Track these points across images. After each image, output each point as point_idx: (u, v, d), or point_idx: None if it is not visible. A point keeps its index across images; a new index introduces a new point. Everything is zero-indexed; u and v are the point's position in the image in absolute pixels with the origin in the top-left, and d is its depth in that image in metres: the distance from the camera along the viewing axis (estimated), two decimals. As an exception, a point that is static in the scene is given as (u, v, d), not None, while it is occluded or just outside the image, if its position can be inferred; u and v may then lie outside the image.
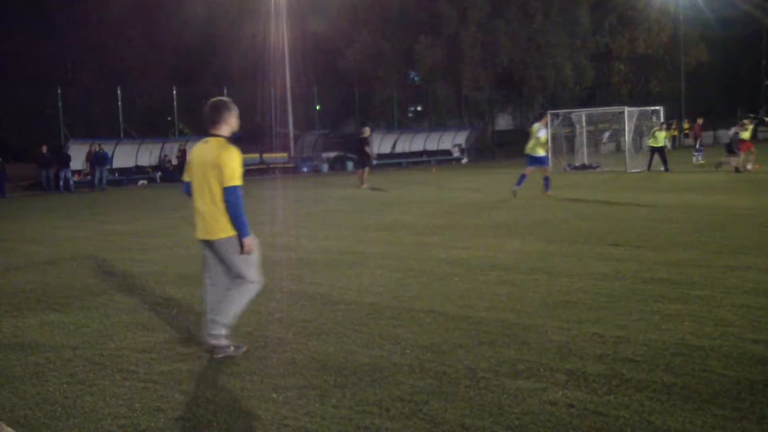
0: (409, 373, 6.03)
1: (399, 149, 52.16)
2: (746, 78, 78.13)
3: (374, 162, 30.39)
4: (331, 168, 47.20)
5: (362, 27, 56.03)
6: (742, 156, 28.75)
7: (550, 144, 26.03)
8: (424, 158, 52.29)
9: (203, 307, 7.19)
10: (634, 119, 36.30)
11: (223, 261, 6.79)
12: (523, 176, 22.08)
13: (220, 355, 6.72)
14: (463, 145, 55.27)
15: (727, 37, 70.62)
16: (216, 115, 6.86)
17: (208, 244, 6.78)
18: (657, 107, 37.50)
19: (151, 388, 5.97)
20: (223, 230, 6.64)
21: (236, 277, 6.80)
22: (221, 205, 6.60)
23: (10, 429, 3.18)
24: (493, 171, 38.84)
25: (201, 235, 6.80)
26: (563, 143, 39.66)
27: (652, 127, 35.11)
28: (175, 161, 42.82)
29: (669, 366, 5.93)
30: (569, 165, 36.62)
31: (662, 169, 31.04)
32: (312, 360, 6.56)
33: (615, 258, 10.93)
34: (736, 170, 27.80)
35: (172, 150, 43.66)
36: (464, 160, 53.63)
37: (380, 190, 28.16)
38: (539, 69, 59.96)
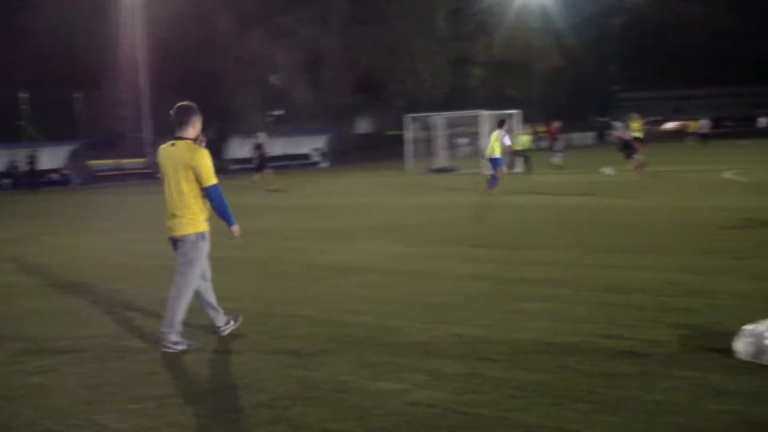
0: (270, 379, 5.98)
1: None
2: (595, 83, 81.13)
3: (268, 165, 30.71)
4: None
5: (222, 31, 55.35)
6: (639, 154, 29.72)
7: (412, 147, 26.79)
8: (284, 162, 52.06)
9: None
10: (492, 123, 37.03)
11: (183, 256, 6.94)
12: (494, 177, 23.09)
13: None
14: (324, 149, 55.35)
15: (578, 43, 73.15)
16: (183, 117, 7.08)
17: (175, 241, 6.95)
18: (513, 111, 38.37)
19: (1, 405, 5.73)
20: (189, 227, 6.89)
21: (180, 273, 6.97)
22: (189, 204, 6.86)
23: None
24: (353, 175, 39.02)
25: (170, 233, 6.97)
26: (422, 146, 40.15)
27: (509, 131, 35.99)
28: (25, 167, 41.34)
29: (527, 363, 6.06)
30: (428, 168, 37.10)
31: (523, 171, 31.90)
32: (172, 369, 6.44)
33: (476, 259, 11.13)
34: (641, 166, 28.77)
35: (21, 156, 42.09)
36: (324, 164, 53.70)
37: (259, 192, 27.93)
38: (398, 73, 60.61)
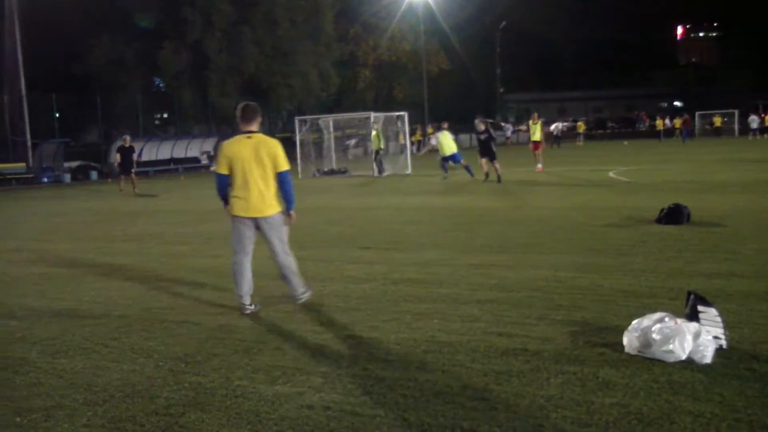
0: (163, 386, 5.88)
1: (145, 157, 50.87)
2: (482, 85, 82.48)
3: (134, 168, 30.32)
4: (74, 178, 45.33)
5: (102, 31, 54.16)
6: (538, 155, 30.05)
7: (300, 150, 27.47)
8: (172, 166, 51.27)
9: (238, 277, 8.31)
10: (380, 124, 37.23)
11: (270, 233, 8.19)
12: (467, 168, 27.57)
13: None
14: (212, 153, 54.73)
15: (465, 46, 74.27)
16: (251, 114, 8.21)
17: (257, 221, 8.11)
18: (402, 112, 38.68)
19: None
20: (273, 208, 8.16)
21: (281, 243, 8.32)
22: (271, 187, 8.13)
23: None
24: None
25: (252, 213, 8.08)
26: (312, 149, 40.13)
27: (397, 132, 36.40)
28: None
29: (421, 363, 6.11)
30: (318, 170, 37.07)
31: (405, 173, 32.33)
32: (59, 379, 6.25)
33: (365, 261, 11.17)
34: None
35: None
36: (213, 168, 53.11)
37: (149, 196, 27.40)
38: (285, 76, 60.37)
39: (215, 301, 8.92)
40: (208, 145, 54.84)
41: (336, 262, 11.15)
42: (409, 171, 33.79)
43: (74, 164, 46.18)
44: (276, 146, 8.15)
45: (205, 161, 53.26)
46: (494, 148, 25.99)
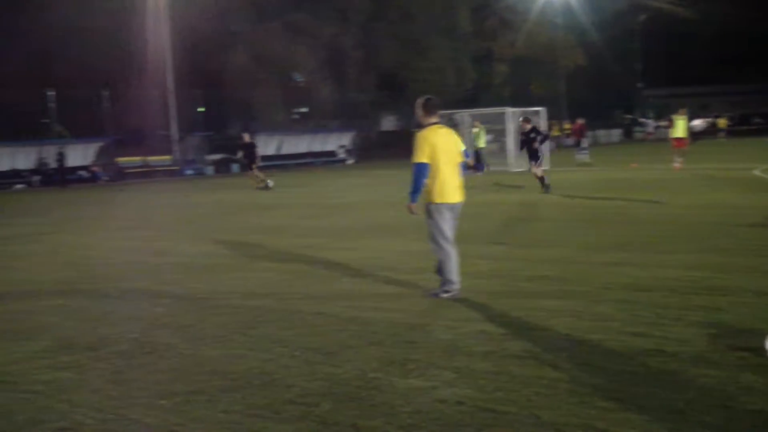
0: (298, 376, 6.00)
1: (284, 151, 51.93)
2: (620, 80, 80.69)
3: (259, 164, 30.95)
4: (217, 171, 46.66)
5: (244, 28, 55.47)
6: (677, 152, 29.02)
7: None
8: (309, 160, 52.15)
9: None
10: (517, 120, 36.86)
11: (457, 217, 8.66)
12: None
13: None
14: (348, 146, 55.41)
15: (602, 40, 72.83)
16: (436, 107, 8.80)
17: (457, 206, 8.58)
18: (538, 108, 38.21)
19: (32, 399, 5.78)
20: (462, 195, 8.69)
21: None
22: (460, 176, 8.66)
23: None
24: (378, 172, 39.02)
25: (458, 198, 8.59)
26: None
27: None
28: (54, 164, 41.74)
29: (554, 361, 6.05)
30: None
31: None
32: (199, 365, 6.47)
33: (497, 257, 11.13)
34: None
35: (50, 153, 42.51)
36: (350, 161, 53.74)
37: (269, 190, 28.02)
38: (421, 71, 60.50)
39: (350, 293, 9.04)
40: (345, 139, 55.53)
41: (467, 257, 11.13)
42: (545, 167, 33.30)
43: (216, 157, 47.51)
44: (459, 138, 8.90)
45: (342, 155, 53.97)
46: (540, 152, 23.49)
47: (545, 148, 24.03)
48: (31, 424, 5.28)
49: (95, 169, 44.18)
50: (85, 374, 6.36)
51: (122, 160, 45.28)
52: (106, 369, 6.46)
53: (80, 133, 46.32)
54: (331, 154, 54.16)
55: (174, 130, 47.96)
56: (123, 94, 46.79)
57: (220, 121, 59.05)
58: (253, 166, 30.89)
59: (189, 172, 45.26)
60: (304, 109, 68.88)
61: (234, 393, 5.69)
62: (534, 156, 23.16)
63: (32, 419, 5.36)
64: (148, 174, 44.14)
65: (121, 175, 43.84)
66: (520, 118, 24.75)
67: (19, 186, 40.44)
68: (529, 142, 23.36)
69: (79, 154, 44.16)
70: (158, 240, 15.46)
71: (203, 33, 51.93)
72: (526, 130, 23.65)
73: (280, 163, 50.20)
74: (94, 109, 46.59)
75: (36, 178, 41.56)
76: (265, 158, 48.45)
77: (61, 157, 41.74)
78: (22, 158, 42.26)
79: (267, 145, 50.33)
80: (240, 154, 31.79)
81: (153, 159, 46.13)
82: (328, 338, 7.06)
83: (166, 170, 44.97)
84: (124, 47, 48.64)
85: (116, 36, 48.65)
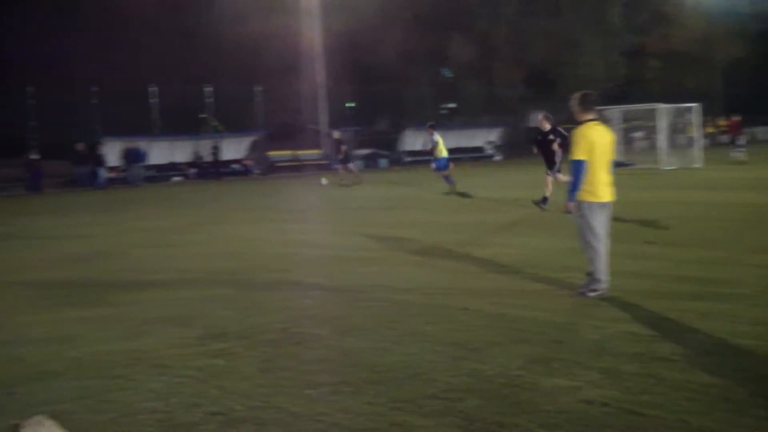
0: (442, 371, 6.02)
1: (430, 146, 52.00)
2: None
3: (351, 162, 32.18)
4: (365, 165, 47.24)
5: (394, 24, 55.87)
6: None
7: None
8: (457, 155, 52.09)
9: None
10: (669, 117, 35.89)
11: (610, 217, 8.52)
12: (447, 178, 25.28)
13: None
14: (497, 142, 55.10)
15: (762, 31, 69.93)
16: (593, 102, 8.62)
17: (609, 205, 8.44)
18: (692, 104, 37.07)
19: (186, 383, 6.01)
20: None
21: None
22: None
23: (51, 421, 3.21)
24: (526, 168, 38.61)
25: (611, 197, 8.46)
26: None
27: (686, 125, 34.88)
28: (209, 158, 43.19)
29: (705, 365, 5.87)
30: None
31: None
32: (345, 356, 6.57)
33: (646, 256, 10.86)
34: None
35: (205, 147, 43.98)
36: (497, 158, 53.46)
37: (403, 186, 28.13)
38: (571, 66, 59.60)
39: (495, 290, 9.00)
40: (492, 135, 55.27)
41: (616, 256, 10.91)
42: (698, 165, 32.36)
43: (365, 152, 48.09)
44: (614, 136, 8.70)
45: (489, 151, 53.73)
46: (558, 158, 18.94)
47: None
48: (185, 407, 5.49)
49: (248, 162, 45.40)
50: (236, 362, 6.56)
51: (273, 153, 46.35)
52: (256, 357, 6.65)
53: (234, 127, 47.72)
54: (478, 150, 53.97)
55: (324, 125, 48.78)
56: (275, 89, 47.90)
57: (370, 116, 59.69)
58: (345, 163, 31.81)
59: (337, 166, 45.94)
60: (452, 105, 68.87)
61: (379, 385, 5.76)
62: (551, 162, 19.15)
63: (186, 403, 5.57)
64: (297, 168, 45.04)
65: (271, 169, 44.90)
66: (539, 115, 20.47)
67: (176, 178, 41.94)
68: (546, 145, 19.24)
69: (233, 148, 45.49)
70: (310, 232, 15.80)
71: (353, 29, 52.64)
72: (545, 130, 19.48)
73: (427, 158, 50.32)
74: (248, 104, 47.85)
75: (192, 170, 43.02)
76: (411, 154, 48.91)
77: (215, 150, 43.17)
78: (179, 152, 43.83)
79: (414, 141, 50.62)
80: (340, 151, 32.31)
81: (303, 153, 47.04)
82: (473, 334, 7.06)
83: (316, 164, 45.75)
84: (277, 43, 49.83)
85: (269, 32, 49.89)
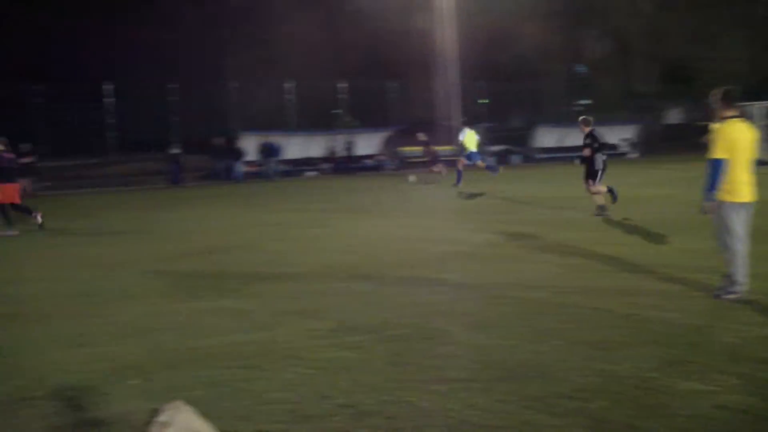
0: (573, 370, 5.95)
1: (566, 143, 51.36)
2: None
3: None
4: (499, 162, 46.97)
5: (528, 21, 55.34)
6: None
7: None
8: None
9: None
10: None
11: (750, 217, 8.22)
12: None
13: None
14: (633, 140, 53.95)
15: None
16: (735, 99, 8.33)
17: (750, 205, 8.15)
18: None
19: (317, 375, 6.11)
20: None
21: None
22: None
23: (188, 407, 3.33)
24: (665, 166, 37.72)
25: (752, 197, 8.16)
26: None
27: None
28: (343, 153, 43.79)
29: None
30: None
31: None
32: (475, 353, 6.57)
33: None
34: None
35: (339, 142, 44.58)
36: (633, 155, 52.33)
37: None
38: (710, 61, 57.78)
39: (628, 289, 8.83)
40: (627, 132, 54.15)
41: (759, 258, 10.52)
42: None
43: (498, 148, 47.83)
44: (756, 133, 8.33)
45: (624, 148, 52.65)
46: (598, 166, 16.98)
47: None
48: (315, 398, 5.58)
49: (381, 157, 45.73)
50: (366, 355, 6.63)
51: (405, 149, 46.53)
52: (386, 351, 6.70)
53: (368, 123, 48.17)
54: (613, 147, 52.95)
55: (457, 121, 48.72)
56: (409, 85, 48.14)
57: (503, 112, 59.28)
58: (432, 164, 32.85)
59: (469, 162, 45.80)
60: (586, 101, 67.75)
61: (508, 383, 5.73)
62: (592, 171, 17.09)
63: (316, 394, 5.67)
64: (430, 164, 45.08)
65: (403, 164, 45.10)
66: (580, 118, 18.13)
67: (310, 173, 42.59)
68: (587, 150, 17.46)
69: (366, 144, 45.93)
70: (440, 228, 15.81)
71: (489, 26, 52.42)
72: (584, 134, 17.55)
73: (561, 155, 49.69)
74: (381, 100, 48.21)
75: (326, 165, 43.63)
76: (547, 150, 48.42)
77: (349, 145, 43.72)
78: (314, 146, 44.49)
79: (547, 138, 50.09)
80: (428, 152, 33.37)
81: (435, 149, 47.04)
82: (604, 334, 6.95)
83: (448, 160, 45.70)
84: (412, 41, 50.09)
85: (404, 28, 50.19)
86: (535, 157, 48.62)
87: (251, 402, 5.55)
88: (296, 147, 43.52)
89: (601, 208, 16.56)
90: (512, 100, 54.55)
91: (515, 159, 47.44)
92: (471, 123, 28.81)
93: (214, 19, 52.73)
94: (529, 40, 55.07)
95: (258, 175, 39.55)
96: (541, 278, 9.78)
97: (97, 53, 47.51)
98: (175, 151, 38.29)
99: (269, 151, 39.74)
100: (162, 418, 3.18)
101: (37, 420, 5.40)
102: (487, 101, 53.82)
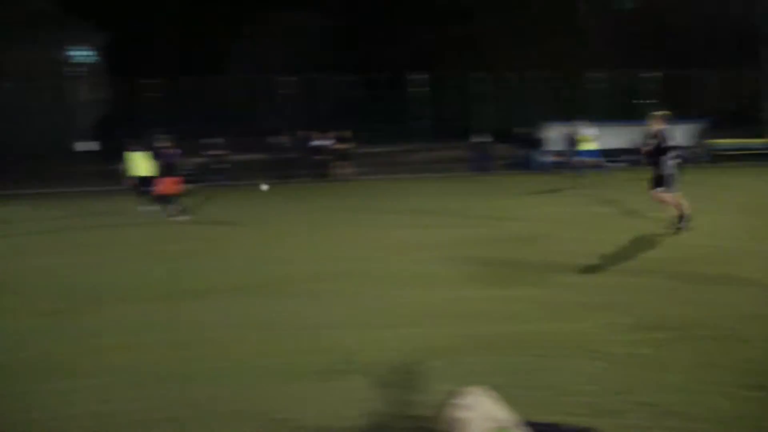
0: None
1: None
2: None
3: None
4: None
5: None
6: None
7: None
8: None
9: None
10: None
11: None
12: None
13: None
14: None
15: None
16: None
17: None
18: None
19: (616, 370, 6.03)
20: None
21: None
22: None
23: (489, 392, 3.41)
24: None
25: None
26: None
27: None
28: (652, 145, 42.53)
29: None
30: None
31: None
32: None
33: None
34: None
35: (643, 134, 43.29)
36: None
37: None
38: None
39: None
40: None
41: None
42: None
43: None
44: None
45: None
46: (664, 170, 15.54)
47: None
48: (614, 393, 5.51)
49: (691, 150, 43.87)
50: (670, 354, 6.42)
51: (715, 142, 44.30)
52: (693, 351, 6.45)
53: (679, 113, 46.55)
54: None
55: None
56: (723, 75, 46.00)
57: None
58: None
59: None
60: None
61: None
62: (657, 177, 15.54)
63: (616, 389, 5.59)
64: (739, 158, 42.66)
65: (713, 158, 43.01)
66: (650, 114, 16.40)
67: (618, 164, 41.63)
68: (654, 152, 16.18)
69: (674, 135, 44.26)
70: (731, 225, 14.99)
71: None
72: (651, 134, 16.23)
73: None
74: (694, 90, 46.38)
75: (633, 157, 42.53)
76: None
77: (662, 137, 42.47)
78: (621, 138, 43.52)
79: None
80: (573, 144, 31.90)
81: (746, 142, 44.45)
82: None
83: (760, 154, 42.97)
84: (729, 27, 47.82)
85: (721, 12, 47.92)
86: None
87: (549, 393, 5.57)
88: (605, 138, 42.82)
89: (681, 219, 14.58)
90: None
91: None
92: None
93: (523, 15, 53.06)
94: None
95: (564, 165, 39.26)
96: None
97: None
98: (481, 139, 38.93)
99: (572, 141, 39.43)
100: (464, 401, 3.26)
101: (348, 392, 5.75)
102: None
